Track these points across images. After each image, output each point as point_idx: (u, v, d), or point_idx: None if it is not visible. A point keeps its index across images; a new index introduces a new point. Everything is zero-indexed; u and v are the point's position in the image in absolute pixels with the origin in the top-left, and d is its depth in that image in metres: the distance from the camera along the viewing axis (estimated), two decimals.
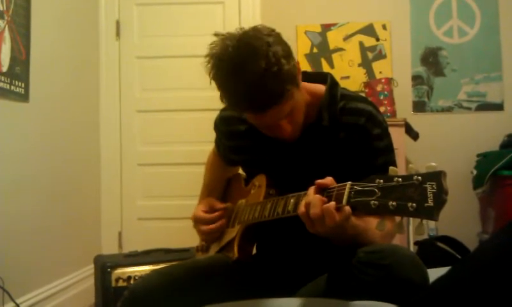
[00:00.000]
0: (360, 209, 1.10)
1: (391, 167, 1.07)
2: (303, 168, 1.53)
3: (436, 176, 0.98)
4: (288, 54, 1.37)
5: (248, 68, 1.31)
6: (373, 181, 1.08)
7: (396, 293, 1.16)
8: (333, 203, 1.15)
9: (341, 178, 1.21)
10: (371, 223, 1.31)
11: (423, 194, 0.98)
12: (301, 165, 1.54)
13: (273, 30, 1.40)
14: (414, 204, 0.98)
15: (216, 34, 1.42)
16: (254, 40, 1.34)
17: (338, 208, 1.15)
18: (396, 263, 1.20)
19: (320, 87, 1.55)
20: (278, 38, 1.37)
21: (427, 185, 0.98)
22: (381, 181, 1.07)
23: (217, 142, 1.85)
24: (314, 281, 1.41)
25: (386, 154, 1.50)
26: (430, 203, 0.96)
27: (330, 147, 1.50)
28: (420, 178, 1.00)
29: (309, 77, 1.60)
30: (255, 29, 1.38)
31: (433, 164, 1.00)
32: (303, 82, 1.53)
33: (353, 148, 1.48)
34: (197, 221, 1.75)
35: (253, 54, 1.32)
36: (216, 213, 1.72)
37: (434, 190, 0.97)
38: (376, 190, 1.07)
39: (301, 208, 1.21)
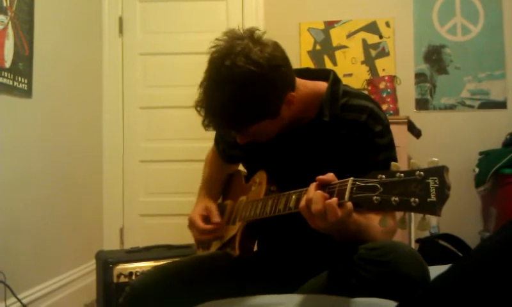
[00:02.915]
0: (363, 205, 1.10)
1: (393, 163, 1.07)
2: (304, 164, 1.53)
3: (439, 171, 0.97)
4: (269, 93, 1.38)
5: (217, 91, 1.37)
6: (375, 176, 1.07)
7: (397, 290, 1.16)
8: (335, 199, 1.15)
9: (342, 174, 1.21)
10: (373, 220, 1.31)
11: (425, 189, 0.97)
12: (301, 161, 1.54)
13: (271, 53, 1.38)
14: (417, 200, 0.98)
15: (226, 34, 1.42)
16: (235, 68, 1.33)
17: (340, 204, 1.15)
18: (397, 260, 1.20)
19: (323, 84, 1.55)
20: (267, 68, 1.35)
21: (430, 180, 0.97)
22: (383, 176, 1.06)
23: (217, 139, 1.85)
24: (315, 277, 1.41)
25: (387, 151, 1.50)
26: (433, 198, 0.96)
27: (331, 143, 1.50)
28: (422, 173, 0.99)
29: (311, 73, 1.60)
30: (246, 54, 1.35)
31: (435, 159, 0.99)
32: (304, 80, 1.54)
33: (354, 144, 1.48)
34: (191, 225, 1.75)
35: (226, 80, 1.35)
36: (210, 227, 1.71)
37: (436, 185, 0.96)
38: (378, 185, 1.06)
39: (303, 204, 1.21)
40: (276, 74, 1.37)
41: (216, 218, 1.74)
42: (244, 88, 1.34)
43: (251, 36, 1.40)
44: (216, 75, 1.38)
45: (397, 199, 1.01)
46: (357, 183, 1.12)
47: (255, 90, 1.35)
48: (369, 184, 1.08)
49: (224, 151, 1.81)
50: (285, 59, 1.43)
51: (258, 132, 1.46)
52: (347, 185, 1.14)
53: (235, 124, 1.43)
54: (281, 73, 1.39)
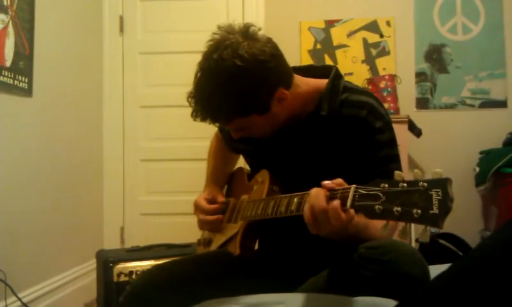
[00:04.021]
0: (364, 213, 1.09)
1: (396, 172, 1.05)
2: (304, 160, 1.53)
3: (442, 183, 0.96)
4: (254, 87, 1.39)
5: (204, 83, 1.41)
6: (378, 185, 1.06)
7: (397, 289, 1.16)
8: (338, 202, 1.14)
9: (343, 170, 1.20)
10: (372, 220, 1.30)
11: (428, 200, 0.96)
12: (301, 157, 1.54)
13: (263, 51, 1.40)
14: (419, 211, 0.97)
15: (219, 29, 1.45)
16: (221, 61, 1.36)
17: (343, 211, 1.14)
18: (397, 259, 1.19)
19: (324, 81, 1.55)
20: (252, 62, 1.37)
21: (433, 192, 0.96)
22: (386, 185, 1.05)
23: (221, 128, 1.86)
24: (315, 276, 1.41)
25: (388, 148, 1.49)
26: (435, 210, 0.95)
27: (331, 139, 1.50)
28: (425, 184, 0.98)
29: (315, 70, 1.60)
30: (234, 48, 1.37)
31: (438, 170, 0.98)
32: (306, 78, 1.54)
33: (355, 141, 1.48)
34: (196, 208, 1.77)
35: (212, 72, 1.39)
36: (214, 206, 1.74)
37: (439, 198, 0.95)
38: (381, 194, 1.05)
39: (306, 209, 1.20)
40: (262, 69, 1.39)
41: (220, 198, 1.76)
42: (228, 81, 1.37)
43: (244, 31, 1.42)
44: (204, 67, 1.41)
45: (399, 209, 1.00)
46: (359, 190, 1.11)
47: (239, 84, 1.37)
48: (372, 192, 1.07)
49: (229, 141, 1.81)
50: (274, 55, 1.43)
51: (248, 127, 1.48)
52: (349, 192, 1.13)
53: (219, 116, 1.46)
54: (268, 69, 1.40)
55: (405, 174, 1.05)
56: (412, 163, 3.54)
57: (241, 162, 1.93)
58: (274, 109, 1.45)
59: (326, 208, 1.15)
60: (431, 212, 0.95)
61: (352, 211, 1.14)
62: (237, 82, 1.37)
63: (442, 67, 3.76)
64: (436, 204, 0.95)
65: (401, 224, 1.04)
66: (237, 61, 1.36)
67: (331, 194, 1.18)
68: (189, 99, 1.47)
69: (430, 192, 0.97)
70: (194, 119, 1.48)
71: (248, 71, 1.37)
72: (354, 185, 1.13)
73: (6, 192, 2.49)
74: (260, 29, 1.45)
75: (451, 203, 0.95)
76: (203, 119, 1.46)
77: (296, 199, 1.32)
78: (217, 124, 1.61)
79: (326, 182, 1.19)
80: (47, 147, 2.91)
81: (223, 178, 1.90)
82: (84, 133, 3.47)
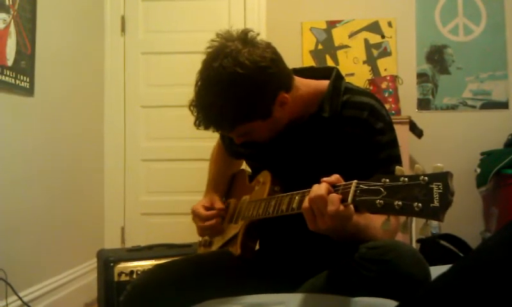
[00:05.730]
0: (366, 208, 1.09)
1: (397, 167, 1.06)
2: (306, 161, 1.53)
3: (443, 177, 0.97)
4: (256, 94, 1.40)
5: (205, 92, 1.40)
6: (379, 180, 1.07)
7: (397, 289, 1.16)
8: (339, 195, 1.14)
9: (344, 172, 1.20)
10: (372, 220, 1.30)
11: (429, 194, 0.97)
12: (303, 159, 1.54)
13: (263, 58, 1.40)
14: (420, 205, 0.97)
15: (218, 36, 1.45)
16: (222, 69, 1.36)
17: (344, 206, 1.15)
18: (397, 259, 1.19)
19: (325, 82, 1.55)
20: (253, 69, 1.37)
21: (434, 186, 0.96)
22: (387, 180, 1.05)
23: (222, 134, 1.86)
24: (316, 276, 1.41)
25: (389, 148, 1.49)
26: (436, 203, 0.95)
27: (333, 140, 1.50)
28: (426, 178, 0.98)
29: (316, 72, 1.61)
30: (234, 56, 1.37)
31: (439, 164, 0.99)
32: (307, 79, 1.55)
33: (356, 142, 1.48)
34: (194, 215, 1.77)
35: (214, 81, 1.38)
36: (212, 212, 1.73)
37: (440, 191, 0.95)
38: (382, 189, 1.05)
39: (305, 204, 1.20)
40: (263, 76, 1.39)
41: (218, 204, 1.76)
42: (230, 89, 1.37)
43: (243, 37, 1.42)
44: (205, 76, 1.41)
45: (400, 203, 1.01)
46: (361, 186, 1.11)
47: (241, 91, 1.37)
48: (373, 187, 1.07)
49: (230, 146, 1.81)
50: (275, 60, 1.43)
51: (251, 132, 1.48)
52: (350, 187, 1.13)
53: (222, 124, 1.46)
54: (269, 75, 1.40)
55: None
56: (413, 164, 3.52)
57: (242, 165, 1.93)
58: (276, 114, 1.45)
59: (324, 196, 1.15)
60: (431, 205, 0.96)
61: (352, 207, 1.14)
62: (238, 89, 1.37)
63: (443, 68, 3.76)
64: (437, 198, 0.95)
65: (402, 219, 1.04)
66: (238, 69, 1.36)
67: (333, 190, 1.18)
68: (191, 108, 1.46)
69: (431, 186, 0.97)
70: (197, 128, 1.48)
71: (249, 78, 1.37)
72: (355, 181, 1.14)
73: (7, 190, 2.50)
74: (258, 34, 1.45)
75: (452, 196, 0.95)
76: (207, 128, 1.46)
77: (297, 197, 1.32)
78: (220, 131, 1.61)
79: (325, 178, 1.20)
80: (48, 146, 2.92)
81: (223, 185, 1.90)
82: (85, 132, 3.47)
